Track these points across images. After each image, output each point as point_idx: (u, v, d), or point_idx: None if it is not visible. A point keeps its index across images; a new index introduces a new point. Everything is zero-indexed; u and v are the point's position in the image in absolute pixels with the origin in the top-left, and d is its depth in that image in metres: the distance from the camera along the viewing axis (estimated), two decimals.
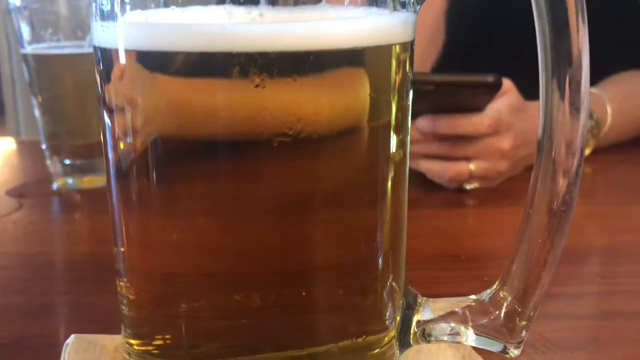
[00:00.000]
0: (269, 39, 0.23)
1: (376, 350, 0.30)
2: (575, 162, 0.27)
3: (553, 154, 0.27)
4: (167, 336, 0.29)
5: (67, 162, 0.74)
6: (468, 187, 0.73)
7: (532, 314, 0.30)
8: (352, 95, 0.26)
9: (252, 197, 0.26)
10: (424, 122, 0.70)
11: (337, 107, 0.26)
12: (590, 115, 0.83)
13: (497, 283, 0.31)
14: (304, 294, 0.28)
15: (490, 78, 0.63)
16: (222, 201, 0.26)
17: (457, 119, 0.69)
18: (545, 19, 0.26)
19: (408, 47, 0.28)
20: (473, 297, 0.31)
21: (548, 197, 0.28)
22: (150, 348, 0.29)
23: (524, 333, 0.30)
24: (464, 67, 1.01)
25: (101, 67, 0.27)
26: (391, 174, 0.29)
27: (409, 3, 0.27)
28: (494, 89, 0.65)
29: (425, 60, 1.01)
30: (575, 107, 0.27)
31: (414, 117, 0.71)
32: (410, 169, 0.79)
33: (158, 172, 0.26)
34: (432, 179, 0.74)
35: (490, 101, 0.69)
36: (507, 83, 0.68)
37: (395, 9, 0.26)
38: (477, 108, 0.69)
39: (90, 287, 0.50)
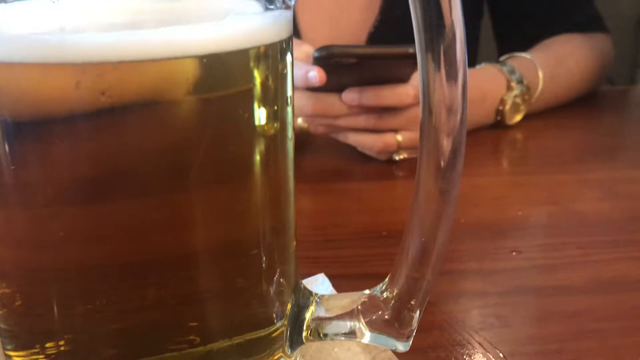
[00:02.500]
0: (110, 50, 0.22)
1: (262, 348, 0.30)
2: (457, 124, 0.27)
3: (434, 122, 0.27)
4: (48, 344, 0.28)
5: None
6: (397, 157, 0.73)
7: (420, 306, 0.30)
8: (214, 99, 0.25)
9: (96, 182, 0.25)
10: (349, 96, 0.69)
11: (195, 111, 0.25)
12: (521, 81, 0.84)
13: (388, 277, 0.31)
14: (168, 291, 0.27)
15: (410, 49, 0.63)
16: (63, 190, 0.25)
17: (382, 91, 0.69)
18: None
19: (278, 46, 0.27)
20: (367, 292, 0.31)
21: (434, 165, 0.28)
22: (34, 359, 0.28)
23: (414, 325, 0.30)
24: (402, 31, 1.00)
25: None
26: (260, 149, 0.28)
27: None
28: (415, 60, 0.65)
29: (362, 25, 1.00)
30: (451, 76, 0.27)
31: (340, 90, 0.71)
32: (340, 142, 0.79)
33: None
34: (362, 151, 0.75)
35: (413, 72, 0.68)
36: None
37: (267, 8, 0.25)
38: (402, 79, 0.69)
39: None
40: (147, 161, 0.25)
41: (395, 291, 0.30)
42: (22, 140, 0.25)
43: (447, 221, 0.29)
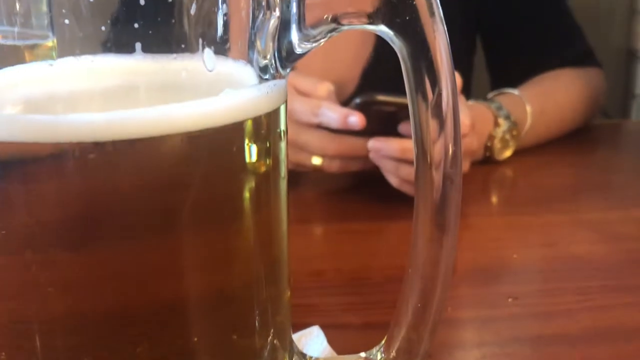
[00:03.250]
0: (104, 129, 0.22)
1: None
2: (451, 162, 0.27)
3: (428, 161, 0.27)
4: None
5: None
6: None
7: None
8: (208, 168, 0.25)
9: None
10: (376, 145, 0.69)
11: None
12: (508, 117, 0.85)
13: (385, 339, 0.30)
14: (158, 345, 0.26)
15: None
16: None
17: (409, 143, 0.68)
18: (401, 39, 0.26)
19: (272, 113, 0.27)
20: (363, 355, 0.31)
21: (430, 204, 0.28)
22: None
23: None
24: (396, 68, 1.00)
25: None
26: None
27: (270, 66, 0.26)
28: None
29: (356, 60, 1.00)
30: (443, 114, 0.27)
31: (365, 133, 0.71)
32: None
33: None
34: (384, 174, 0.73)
35: None
36: None
37: (261, 79, 0.25)
38: None
39: None
40: (136, 208, 0.25)
41: (392, 354, 0.30)
42: (6, 186, 0.24)
43: (446, 263, 0.29)
